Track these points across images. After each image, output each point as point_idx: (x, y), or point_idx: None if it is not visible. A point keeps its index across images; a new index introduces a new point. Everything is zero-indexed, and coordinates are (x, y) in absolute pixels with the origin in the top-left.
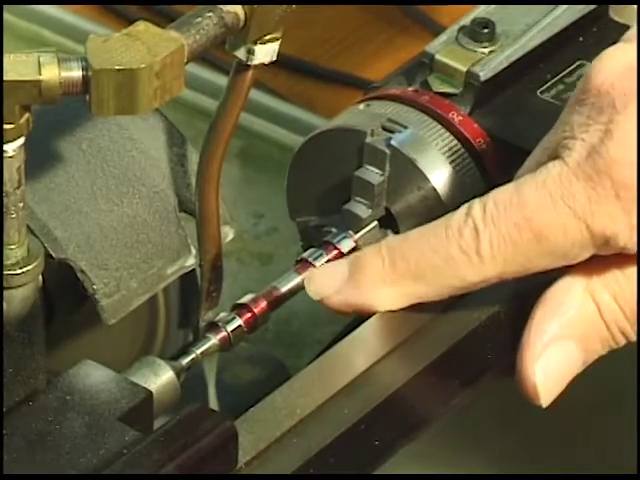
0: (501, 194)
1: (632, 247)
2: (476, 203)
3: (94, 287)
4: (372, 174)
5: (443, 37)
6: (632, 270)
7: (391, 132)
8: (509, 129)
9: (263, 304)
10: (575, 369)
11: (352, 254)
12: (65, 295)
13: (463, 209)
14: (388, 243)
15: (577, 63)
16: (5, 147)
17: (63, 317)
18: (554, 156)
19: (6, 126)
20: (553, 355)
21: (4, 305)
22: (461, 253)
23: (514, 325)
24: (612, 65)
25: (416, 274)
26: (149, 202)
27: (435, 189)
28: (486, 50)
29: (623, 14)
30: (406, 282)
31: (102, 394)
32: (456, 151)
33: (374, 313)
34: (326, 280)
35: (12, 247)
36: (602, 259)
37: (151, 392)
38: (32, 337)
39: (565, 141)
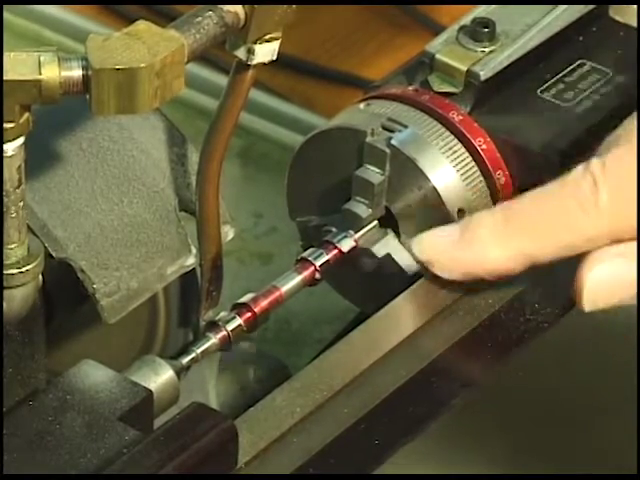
0: (620, 149)
1: None
2: (594, 160)
3: (94, 286)
4: (372, 173)
5: (443, 36)
6: None
7: (391, 131)
8: (509, 128)
9: (263, 303)
10: (627, 290)
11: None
12: (65, 295)
13: (580, 167)
14: (502, 203)
15: (577, 63)
16: (5, 147)
17: (63, 317)
18: None
19: (6, 125)
20: (610, 266)
21: (4, 305)
22: (578, 206)
23: (514, 324)
24: None
25: (531, 229)
26: (149, 201)
27: (435, 188)
28: (486, 49)
29: (623, 14)
30: (520, 238)
31: (102, 394)
32: (456, 150)
33: (482, 279)
34: (436, 241)
35: (12, 246)
36: None
37: (151, 391)
38: (32, 337)
39: None
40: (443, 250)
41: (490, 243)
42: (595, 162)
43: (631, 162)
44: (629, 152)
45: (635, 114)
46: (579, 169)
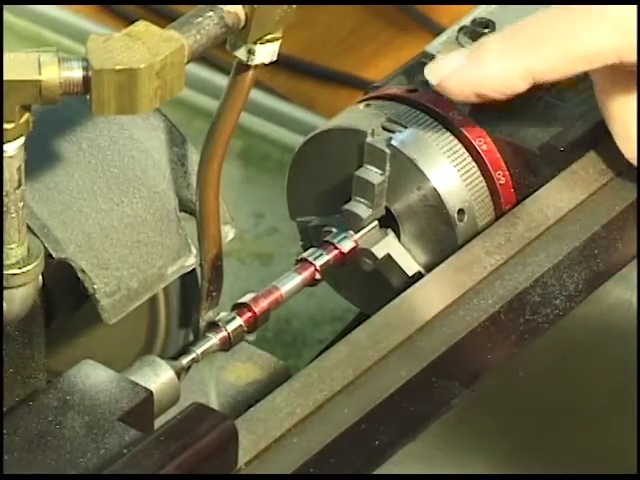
0: None
1: None
2: None
3: (94, 287)
4: (372, 174)
5: (443, 37)
6: None
7: (391, 132)
8: (509, 129)
9: (263, 304)
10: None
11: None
12: (65, 295)
13: None
14: (512, 23)
15: None
16: (5, 147)
17: (63, 317)
18: None
19: (6, 126)
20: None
21: (4, 305)
22: (585, 15)
23: (514, 324)
24: None
25: (534, 42)
26: (149, 202)
27: (435, 189)
28: None
29: None
30: (522, 52)
31: (102, 394)
32: (456, 151)
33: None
34: (446, 62)
35: (12, 247)
36: None
37: (151, 392)
38: (32, 337)
39: None
40: (452, 72)
41: (494, 59)
42: None
43: None
44: None
45: None
46: None
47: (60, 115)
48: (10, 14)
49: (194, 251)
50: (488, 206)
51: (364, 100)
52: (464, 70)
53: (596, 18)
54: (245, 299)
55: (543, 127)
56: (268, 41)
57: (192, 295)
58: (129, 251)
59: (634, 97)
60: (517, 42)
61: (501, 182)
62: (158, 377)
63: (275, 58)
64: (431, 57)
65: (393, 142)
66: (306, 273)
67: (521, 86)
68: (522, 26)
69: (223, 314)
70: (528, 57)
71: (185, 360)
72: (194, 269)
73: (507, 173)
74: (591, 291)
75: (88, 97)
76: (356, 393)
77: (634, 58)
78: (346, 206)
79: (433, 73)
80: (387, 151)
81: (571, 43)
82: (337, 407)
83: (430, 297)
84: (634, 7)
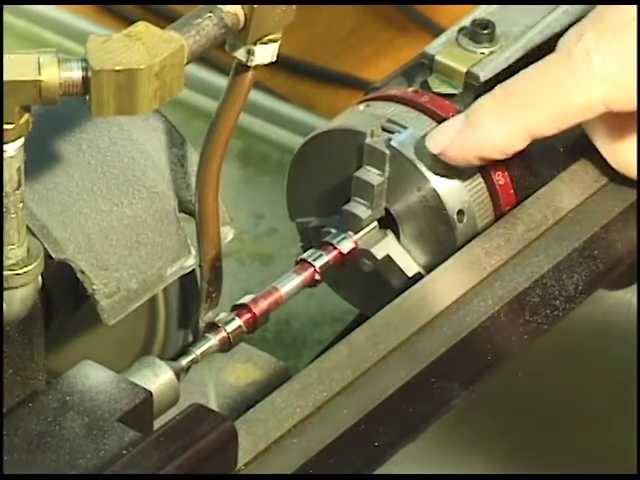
0: (614, 21)
1: None
2: (588, 28)
3: (94, 287)
4: (372, 175)
5: (443, 38)
6: None
7: (391, 133)
8: None
9: (263, 305)
10: None
11: None
12: (65, 295)
13: (573, 36)
14: (502, 84)
15: None
16: (5, 147)
17: (63, 318)
18: None
19: (6, 126)
20: None
21: (4, 305)
22: (570, 75)
23: (513, 325)
24: None
25: (527, 103)
26: (149, 203)
27: (435, 190)
28: (486, 51)
29: None
30: (518, 113)
31: (102, 394)
32: None
33: (491, 160)
34: (444, 132)
35: (12, 247)
36: None
37: (151, 392)
38: (32, 338)
39: None
40: (451, 138)
41: (491, 122)
42: (589, 32)
43: (627, 34)
44: (623, 24)
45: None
46: (572, 40)
47: (60, 116)
48: (10, 15)
49: (193, 252)
50: (488, 207)
51: (364, 101)
52: (463, 136)
53: (582, 74)
54: (245, 300)
55: None
56: (267, 42)
57: (191, 296)
58: (129, 252)
59: (625, 136)
60: (510, 103)
61: (500, 183)
62: (157, 378)
63: (274, 59)
64: (431, 58)
65: (393, 143)
66: (306, 274)
67: (520, 144)
68: (513, 86)
69: (222, 315)
70: (523, 117)
71: (184, 361)
72: (193, 270)
73: (507, 174)
74: (591, 292)
75: (87, 98)
76: (356, 394)
77: (622, 107)
78: (346, 207)
79: (434, 143)
80: (387, 152)
81: (562, 101)
82: (337, 408)
83: (430, 298)
84: (617, 56)
